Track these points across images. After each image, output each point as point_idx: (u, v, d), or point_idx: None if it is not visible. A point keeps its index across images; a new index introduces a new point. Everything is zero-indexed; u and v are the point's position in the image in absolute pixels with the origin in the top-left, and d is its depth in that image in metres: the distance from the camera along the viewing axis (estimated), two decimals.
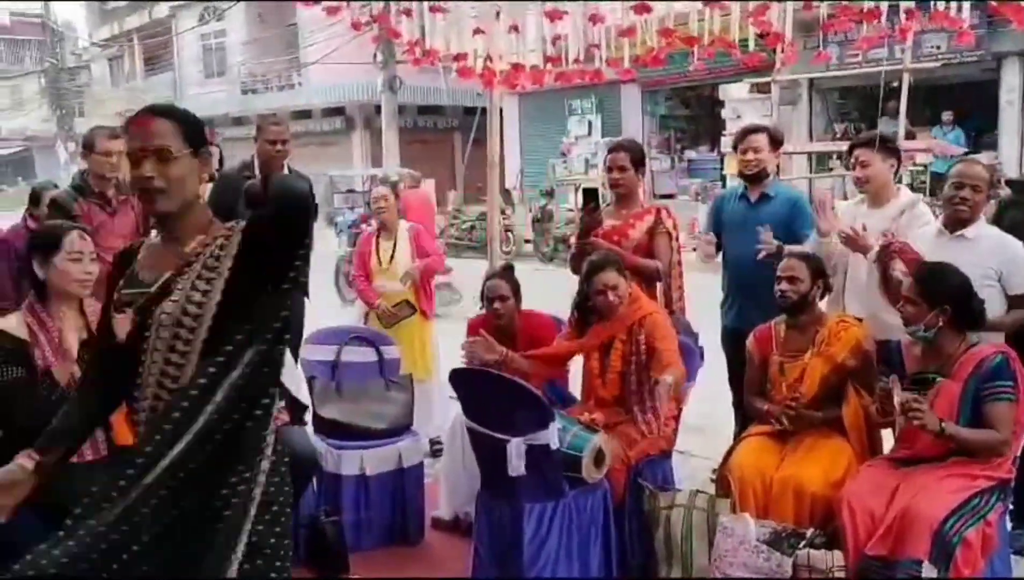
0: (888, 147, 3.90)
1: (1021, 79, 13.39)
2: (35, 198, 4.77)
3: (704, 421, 4.79)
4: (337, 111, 26.76)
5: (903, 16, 3.46)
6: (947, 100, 15.21)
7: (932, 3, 3.31)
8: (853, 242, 3.62)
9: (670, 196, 18.27)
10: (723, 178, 15.45)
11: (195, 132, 2.05)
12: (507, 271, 4.28)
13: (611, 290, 3.61)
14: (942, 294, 3.09)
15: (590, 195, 4.23)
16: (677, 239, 4.28)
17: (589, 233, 4.13)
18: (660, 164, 19.39)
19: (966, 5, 3.52)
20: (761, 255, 3.90)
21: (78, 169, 4.78)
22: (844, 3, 3.40)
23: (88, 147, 4.49)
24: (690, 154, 19.20)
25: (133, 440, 2.07)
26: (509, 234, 16.92)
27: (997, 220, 3.85)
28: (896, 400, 2.95)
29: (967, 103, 14.85)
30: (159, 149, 1.97)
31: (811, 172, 14.59)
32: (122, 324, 2.06)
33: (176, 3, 30.15)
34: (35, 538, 2.93)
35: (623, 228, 4.21)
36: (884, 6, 3.31)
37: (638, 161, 4.24)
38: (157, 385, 1.98)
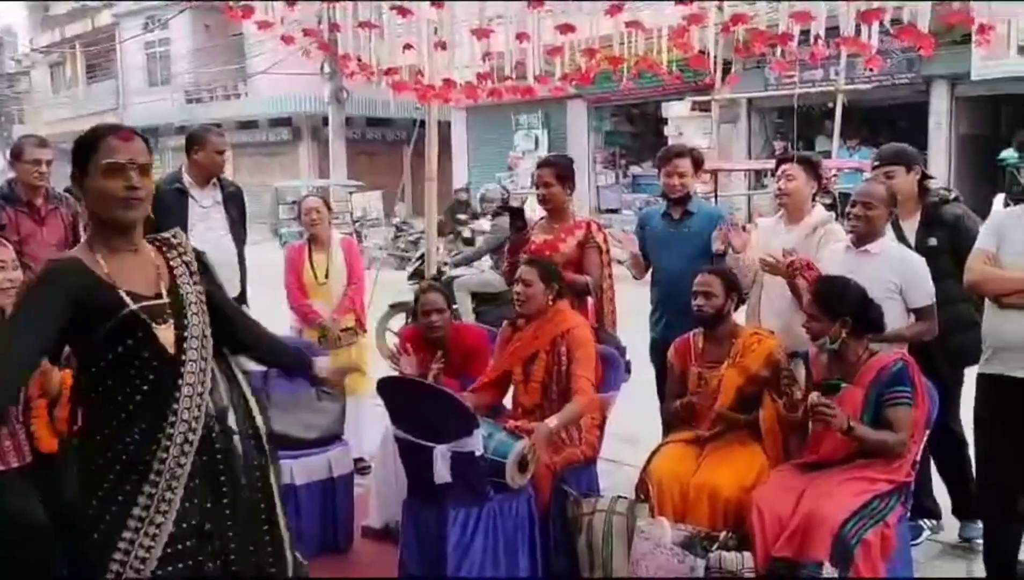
0: (813, 167, 4.07)
1: (948, 102, 13.88)
2: None
3: (636, 431, 4.88)
4: (284, 122, 26.65)
5: (813, 41, 3.63)
6: (882, 121, 15.71)
7: (840, 29, 3.48)
8: (773, 268, 3.79)
9: (615, 210, 18.55)
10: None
11: (150, 150, 2.23)
12: (440, 283, 4.35)
13: (522, 283, 3.75)
14: (841, 307, 3.26)
15: (516, 214, 4.34)
16: (608, 253, 4.35)
17: (518, 250, 4.23)
18: (605, 179, 19.70)
19: (874, 31, 3.71)
20: (716, 246, 4.07)
21: (6, 178, 4.74)
22: (757, 28, 3.56)
23: (16, 156, 4.47)
24: (635, 170, 19.50)
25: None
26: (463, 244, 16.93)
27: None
28: (810, 399, 3.11)
29: (901, 124, 15.35)
30: (145, 164, 2.12)
31: (749, 189, 14.94)
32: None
33: (119, 11, 29.74)
34: None
35: (553, 242, 4.28)
36: (795, 31, 3.48)
37: (565, 176, 4.31)
38: (198, 395, 2.14)
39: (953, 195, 3.96)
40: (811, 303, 3.30)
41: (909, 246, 3.79)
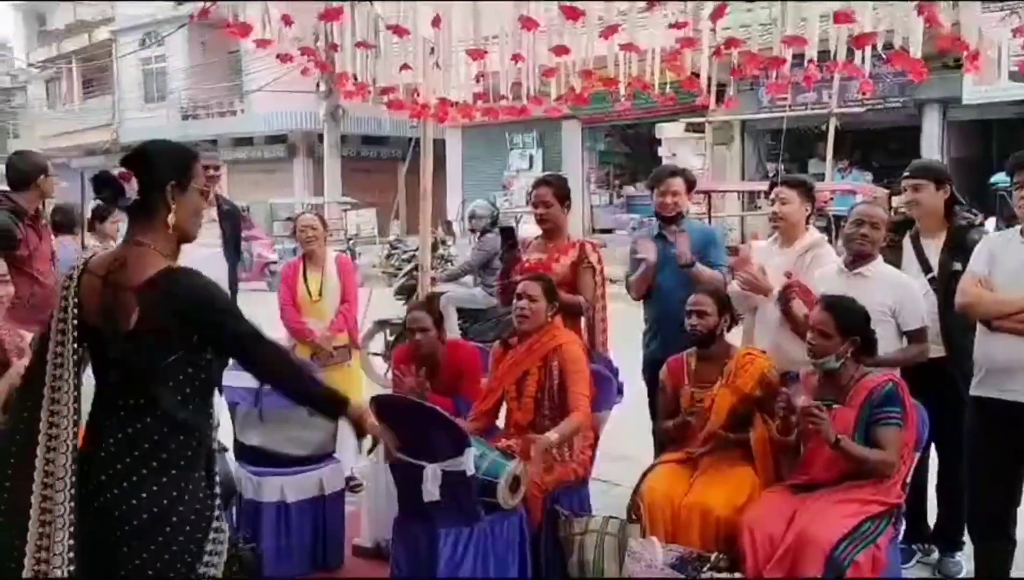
0: (807, 191, 4.09)
1: (940, 126, 13.99)
2: None
3: (628, 451, 4.87)
4: (279, 138, 26.70)
5: (807, 65, 3.65)
6: (874, 144, 15.83)
7: (832, 54, 3.51)
8: (753, 286, 3.81)
9: (609, 230, 18.60)
10: None
11: None
12: (429, 302, 4.35)
13: (526, 297, 3.75)
14: (852, 325, 3.28)
15: (507, 233, 4.34)
16: (602, 273, 4.34)
17: (511, 270, 4.23)
18: (599, 199, 19.78)
19: (866, 56, 3.73)
20: (682, 262, 4.09)
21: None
22: (750, 52, 3.59)
23: (44, 171, 4.51)
24: (628, 190, 19.57)
25: None
26: (449, 265, 16.94)
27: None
28: (799, 402, 3.11)
29: (893, 147, 15.47)
30: None
31: (743, 210, 15.00)
32: None
33: (116, 27, 29.82)
34: None
35: (547, 262, 4.27)
36: (788, 55, 3.50)
37: (563, 196, 4.32)
38: None
39: (979, 220, 3.93)
40: (823, 320, 3.30)
41: (931, 268, 3.77)
